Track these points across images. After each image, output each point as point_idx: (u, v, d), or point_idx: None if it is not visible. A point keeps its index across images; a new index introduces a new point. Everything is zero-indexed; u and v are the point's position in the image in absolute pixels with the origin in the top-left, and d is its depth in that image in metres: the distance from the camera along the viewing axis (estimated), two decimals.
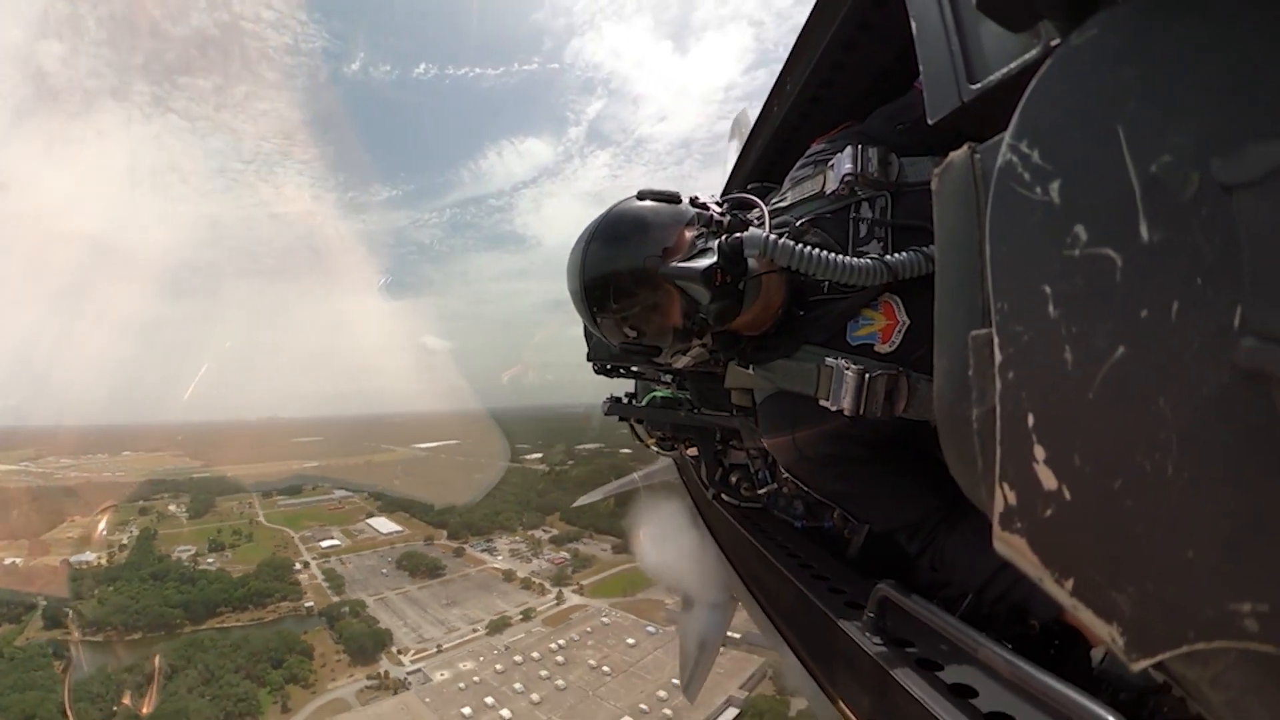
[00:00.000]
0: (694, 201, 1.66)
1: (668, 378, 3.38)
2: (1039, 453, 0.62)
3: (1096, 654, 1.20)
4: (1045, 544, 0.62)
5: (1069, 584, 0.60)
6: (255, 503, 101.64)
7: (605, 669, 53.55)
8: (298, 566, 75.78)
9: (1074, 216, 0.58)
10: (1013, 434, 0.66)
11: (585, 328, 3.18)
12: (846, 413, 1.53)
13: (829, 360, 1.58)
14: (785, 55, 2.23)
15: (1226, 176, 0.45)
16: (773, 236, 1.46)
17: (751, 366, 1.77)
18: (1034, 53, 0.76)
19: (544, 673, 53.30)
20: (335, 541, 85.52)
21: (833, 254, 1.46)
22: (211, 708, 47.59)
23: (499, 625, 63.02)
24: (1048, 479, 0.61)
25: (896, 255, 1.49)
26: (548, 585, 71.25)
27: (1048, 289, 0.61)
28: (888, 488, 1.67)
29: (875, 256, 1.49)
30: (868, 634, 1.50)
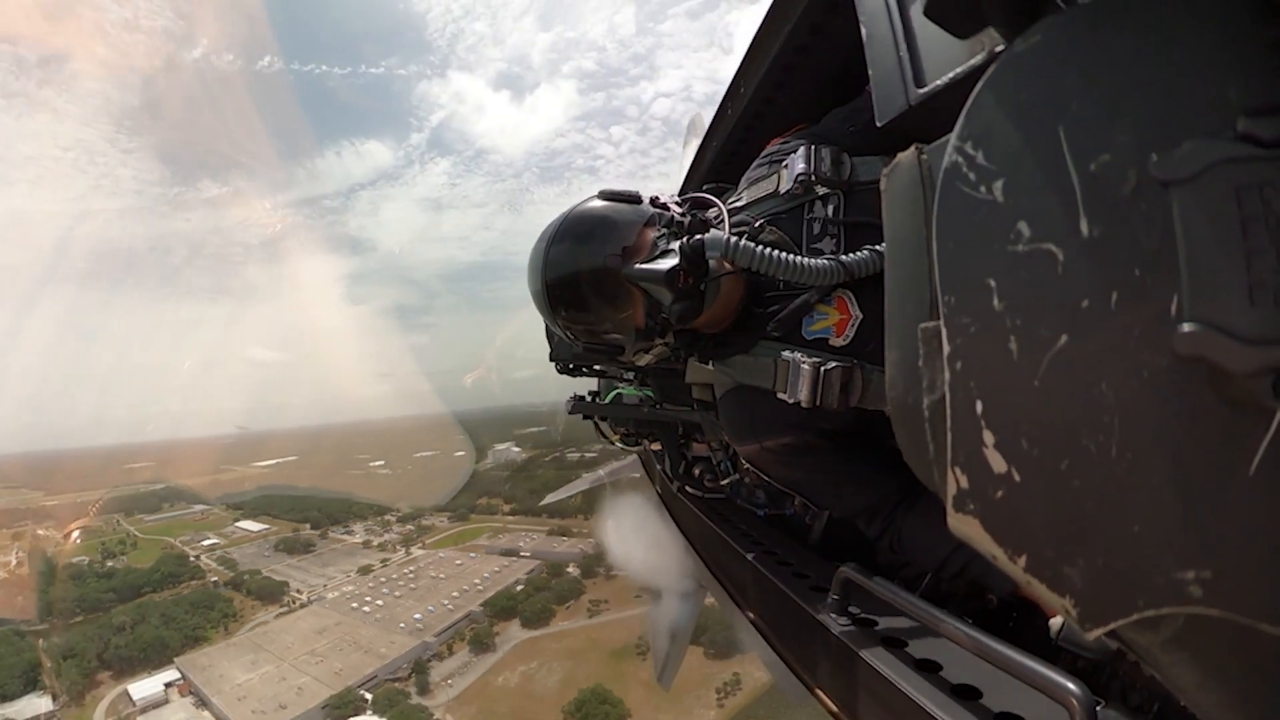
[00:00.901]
0: (654, 201, 1.66)
1: (630, 375, 3.39)
2: (988, 438, 0.64)
3: (1054, 624, 1.25)
4: (998, 524, 0.64)
5: (1022, 560, 0.62)
6: (121, 520, 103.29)
7: (442, 575, 79.12)
8: (191, 558, 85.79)
9: (1017, 213, 0.60)
10: (962, 421, 0.67)
11: (547, 327, 3.18)
12: (804, 404, 1.55)
13: (785, 354, 1.59)
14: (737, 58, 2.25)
15: (1163, 173, 0.48)
16: (734, 238, 1.47)
17: (711, 363, 1.78)
18: (979, 58, 0.78)
19: (401, 583, 77.67)
20: (214, 541, 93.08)
21: (791, 255, 1.48)
22: (176, 635, 62.79)
23: (366, 570, 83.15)
24: (997, 462, 0.63)
25: (852, 255, 1.52)
26: (398, 546, 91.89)
27: (992, 282, 0.63)
28: (845, 475, 1.69)
29: (831, 256, 1.51)
30: (833, 615, 1.52)
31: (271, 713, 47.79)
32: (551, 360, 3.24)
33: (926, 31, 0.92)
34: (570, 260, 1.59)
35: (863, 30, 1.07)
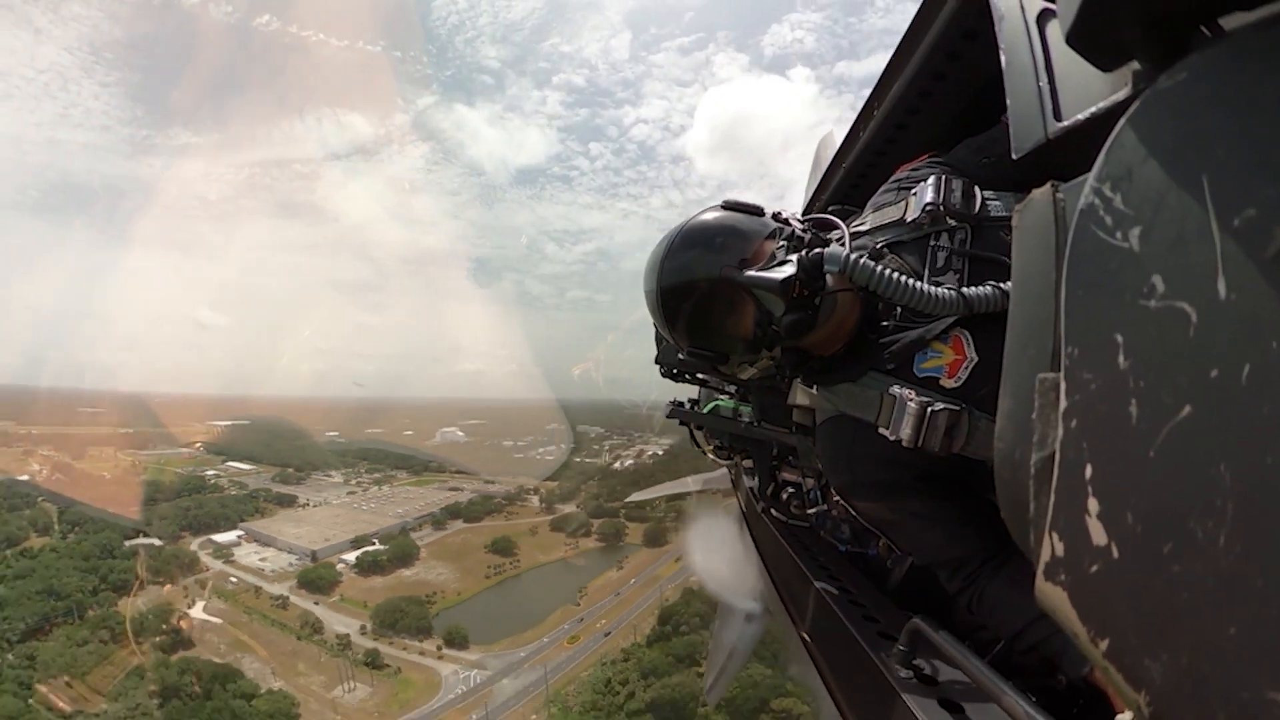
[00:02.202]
0: (776, 216, 1.64)
1: (731, 388, 3.37)
2: (1092, 505, 0.59)
3: None
4: (1086, 600, 0.59)
5: (1103, 644, 0.56)
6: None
7: (409, 499, 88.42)
8: (210, 477, 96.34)
9: (1152, 266, 0.55)
10: (1069, 483, 0.63)
11: (656, 331, 3.22)
12: (905, 443, 1.49)
13: (893, 389, 1.54)
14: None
15: None
16: (853, 255, 1.44)
17: (816, 387, 1.75)
18: (1122, 94, 0.72)
19: (379, 501, 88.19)
20: (215, 471, 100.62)
21: (910, 280, 1.43)
22: (231, 512, 77.39)
23: (351, 492, 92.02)
24: (1098, 533, 0.58)
25: (973, 289, 1.45)
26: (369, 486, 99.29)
27: (1119, 338, 0.58)
28: (936, 522, 1.61)
29: (952, 287, 1.45)
30: (895, 665, 1.46)
31: (319, 543, 66.35)
32: (657, 363, 3.28)
33: (1068, 62, 0.86)
34: (687, 266, 1.59)
35: (1002, 58, 1.02)
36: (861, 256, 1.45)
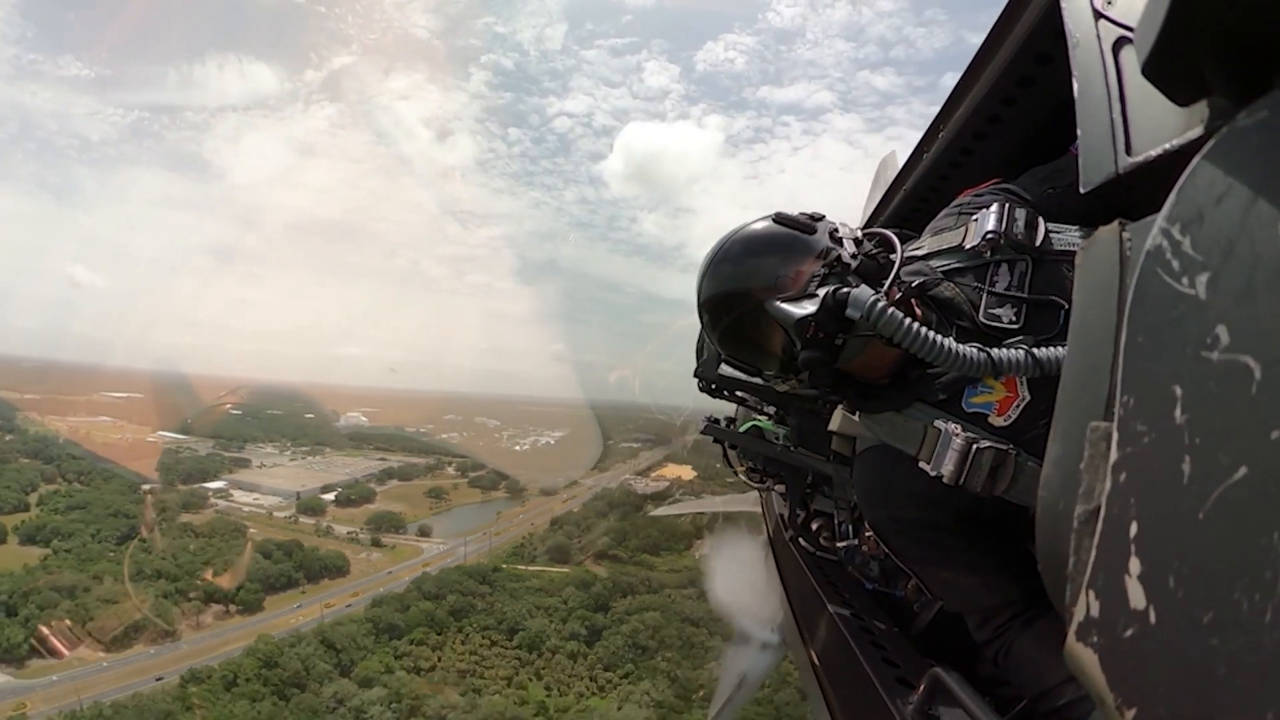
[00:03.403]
0: (833, 234, 1.60)
1: (770, 409, 3.35)
2: (1134, 565, 0.57)
3: None
4: (1117, 665, 0.56)
5: (1130, 713, 0.53)
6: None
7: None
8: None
9: (1218, 315, 0.53)
10: (1112, 539, 0.60)
11: (698, 344, 3.23)
12: (946, 480, 1.46)
13: (939, 423, 1.51)
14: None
15: None
16: (881, 302, 1.40)
17: (859, 414, 1.73)
18: (1197, 130, 0.69)
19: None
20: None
21: (935, 335, 1.39)
22: (210, 466, 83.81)
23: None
24: (1136, 596, 0.55)
25: (1003, 352, 1.41)
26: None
27: (1178, 390, 0.56)
28: (970, 567, 1.58)
29: (979, 347, 1.42)
30: (911, 715, 1.43)
31: (297, 487, 75.08)
32: (696, 376, 3.28)
33: (1143, 94, 0.83)
34: (728, 278, 1.61)
35: (1075, 86, 0.99)
36: (888, 306, 1.41)
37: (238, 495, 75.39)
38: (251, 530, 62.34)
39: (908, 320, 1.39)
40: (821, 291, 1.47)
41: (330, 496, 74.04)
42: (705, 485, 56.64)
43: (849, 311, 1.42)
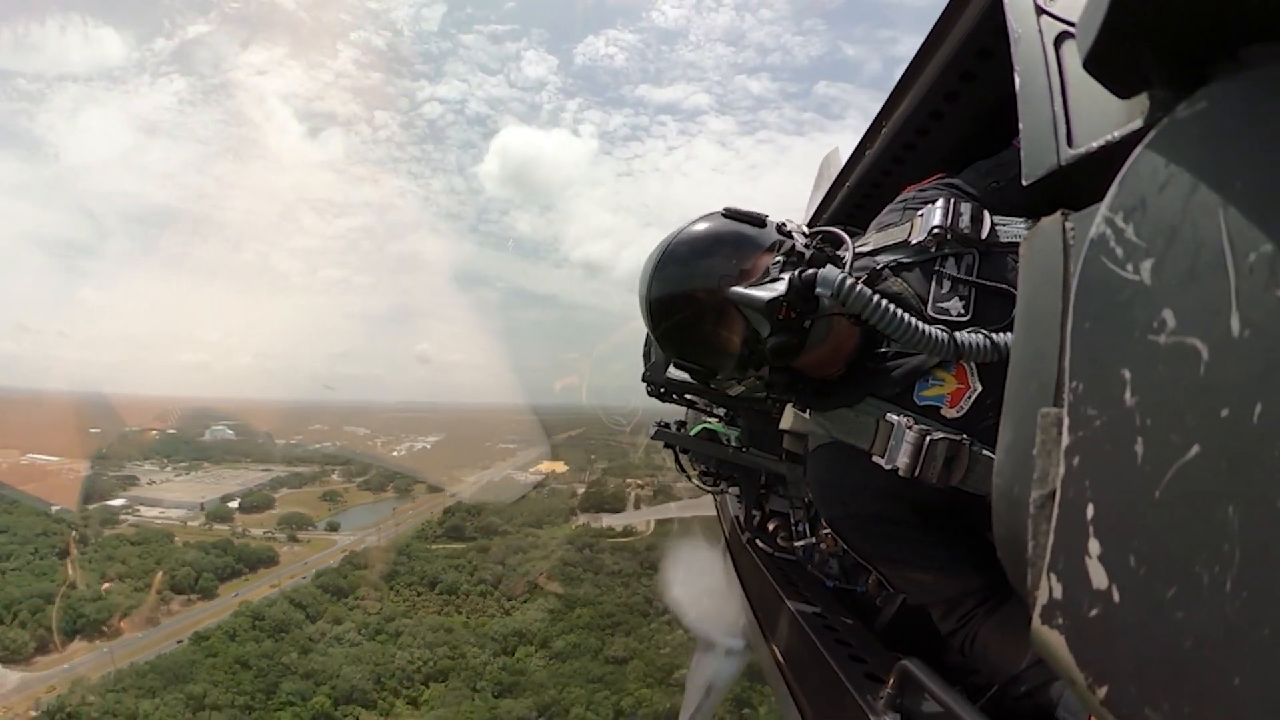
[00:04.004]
0: (780, 228, 1.63)
1: (720, 411, 3.37)
2: (1093, 547, 0.59)
3: None
4: (1084, 645, 0.59)
5: (1101, 691, 0.56)
6: None
7: None
8: None
9: (1163, 300, 0.56)
10: (1069, 523, 0.63)
11: (645, 347, 3.23)
12: (901, 473, 1.49)
13: (891, 416, 1.54)
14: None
15: None
16: (850, 279, 1.43)
17: (809, 412, 1.75)
18: (1138, 122, 0.73)
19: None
20: None
21: (903, 313, 1.43)
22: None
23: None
24: (1098, 576, 0.58)
25: (966, 335, 1.46)
26: None
27: (1126, 374, 0.58)
28: (930, 557, 1.61)
29: (945, 329, 1.46)
30: (882, 708, 1.46)
31: (198, 499, 75.64)
32: (644, 381, 3.28)
33: (1084, 88, 0.87)
34: (677, 276, 1.60)
35: (1017, 80, 1.03)
36: (858, 281, 1.44)
37: (144, 511, 75.42)
38: (177, 538, 63.86)
39: (876, 296, 1.42)
40: (786, 275, 1.49)
41: (234, 505, 76.85)
42: (575, 476, 79.04)
43: (818, 290, 1.44)
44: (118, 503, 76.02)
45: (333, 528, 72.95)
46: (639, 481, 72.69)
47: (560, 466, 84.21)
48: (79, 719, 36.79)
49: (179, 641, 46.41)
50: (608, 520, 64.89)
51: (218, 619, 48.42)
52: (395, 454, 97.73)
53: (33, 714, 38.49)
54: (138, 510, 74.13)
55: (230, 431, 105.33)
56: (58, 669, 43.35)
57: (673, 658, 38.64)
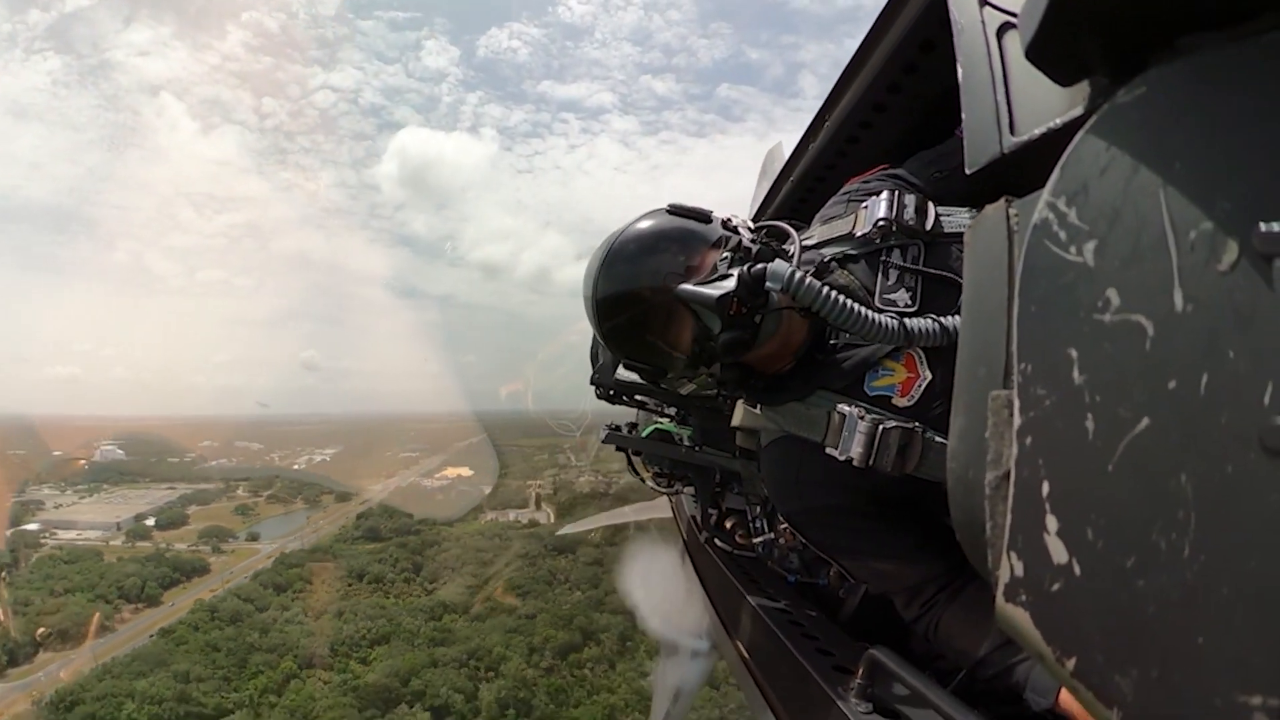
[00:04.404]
0: (725, 224, 1.64)
1: (672, 410, 3.38)
2: (1051, 523, 0.62)
3: None
4: (1050, 619, 0.61)
5: (1070, 663, 0.58)
6: None
7: None
8: None
9: (1107, 280, 0.58)
10: (1026, 501, 0.65)
11: (592, 349, 3.21)
12: (855, 463, 1.51)
13: (842, 407, 1.56)
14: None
15: (1266, 247, 0.45)
16: (799, 272, 1.44)
17: (760, 406, 1.76)
18: (1079, 109, 0.76)
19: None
20: None
21: (854, 304, 1.45)
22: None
23: None
24: (1058, 551, 0.60)
25: (916, 321, 1.50)
26: None
27: (1074, 353, 0.61)
28: (889, 546, 1.64)
29: (895, 316, 1.49)
30: (853, 699, 1.47)
31: (113, 519, 75.35)
32: (593, 384, 3.26)
33: (1026, 77, 0.91)
34: (624, 274, 1.59)
35: (960, 71, 1.07)
36: (807, 274, 1.46)
37: (61, 534, 74.15)
38: (105, 556, 64.86)
39: (826, 288, 1.44)
40: (735, 271, 1.49)
41: (151, 523, 77.49)
42: (482, 479, 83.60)
43: (768, 284, 1.45)
44: (32, 527, 74.53)
45: (253, 538, 75.33)
46: (538, 481, 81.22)
47: (465, 471, 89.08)
48: (83, 703, 40.37)
49: (150, 636, 50.75)
50: (514, 514, 73.60)
51: (176, 617, 52.72)
52: (296, 467, 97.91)
53: (38, 702, 42.38)
54: (54, 534, 72.86)
55: (120, 451, 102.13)
56: (33, 678, 46.24)
57: (571, 611, 48.69)
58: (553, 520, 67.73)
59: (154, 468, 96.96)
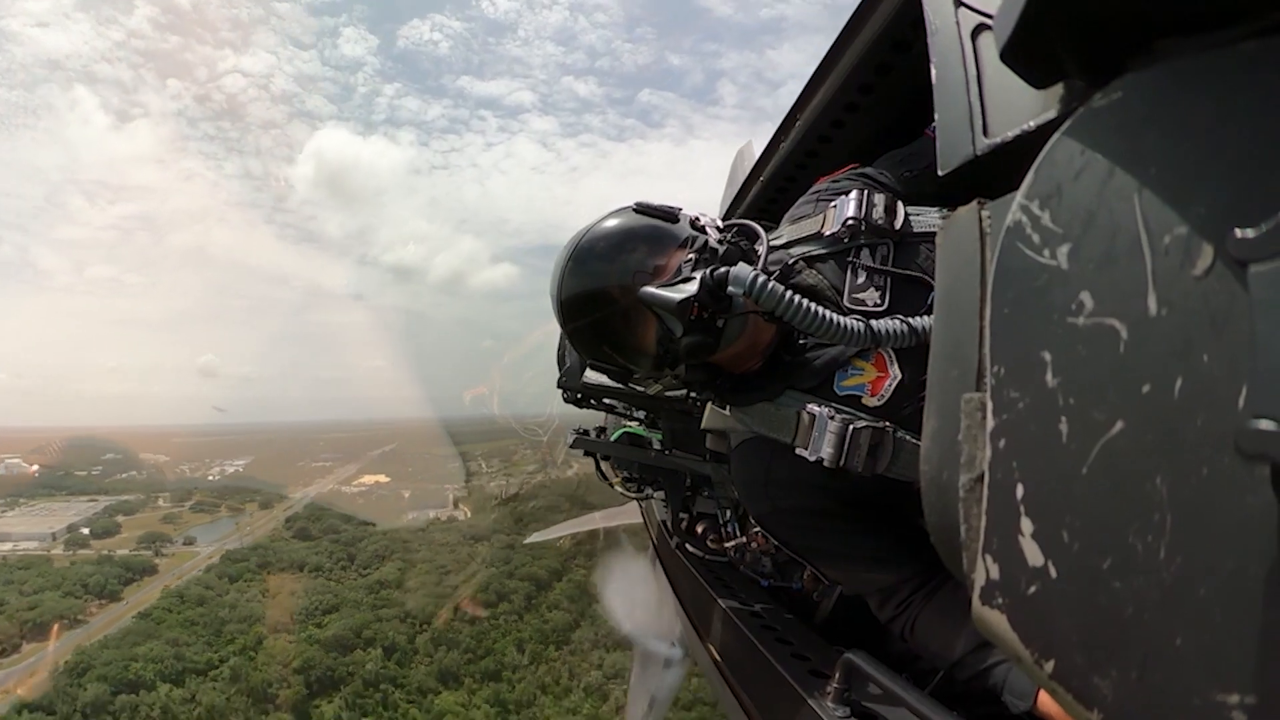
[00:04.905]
0: (694, 223, 1.65)
1: (641, 414, 3.38)
2: (1026, 526, 0.62)
3: None
4: (1027, 622, 0.62)
5: (1049, 665, 0.59)
6: None
7: None
8: None
9: (1080, 283, 0.59)
10: (1000, 504, 0.66)
11: (559, 352, 3.19)
12: (826, 464, 1.53)
13: (812, 408, 1.58)
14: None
15: (1241, 251, 0.46)
16: (761, 277, 1.45)
17: (729, 408, 1.77)
18: (1054, 112, 0.77)
19: None
20: None
21: (817, 307, 1.47)
22: None
23: None
24: (1033, 554, 0.61)
25: (883, 323, 1.52)
26: None
27: (1047, 356, 0.62)
28: (862, 548, 1.66)
29: (860, 319, 1.51)
30: (830, 704, 1.48)
31: (45, 530, 76.07)
32: (559, 387, 3.24)
33: (1000, 79, 0.92)
34: (593, 274, 1.60)
35: (933, 72, 1.08)
36: (770, 279, 1.46)
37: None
38: (55, 562, 66.56)
39: (789, 293, 1.45)
40: (698, 274, 1.50)
41: (86, 531, 78.53)
42: (400, 484, 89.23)
43: (730, 289, 1.46)
44: None
45: (189, 541, 77.78)
46: (455, 486, 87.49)
47: (383, 478, 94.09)
48: (93, 668, 45.44)
49: (131, 619, 55.35)
50: (432, 513, 79.38)
51: (148, 603, 57.57)
52: (211, 478, 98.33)
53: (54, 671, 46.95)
54: None
55: (23, 463, 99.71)
56: (25, 663, 49.99)
57: (488, 580, 57.36)
58: (469, 516, 76.25)
59: (62, 480, 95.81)
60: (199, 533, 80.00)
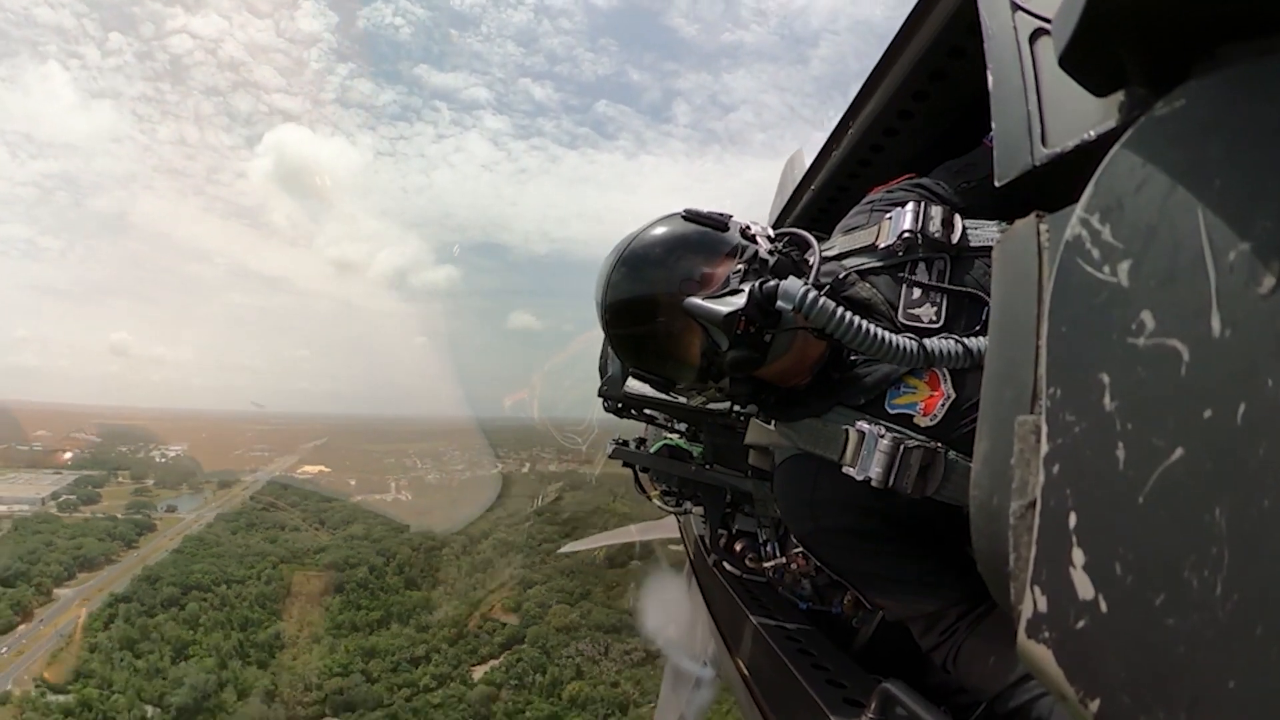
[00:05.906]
0: (744, 231, 1.64)
1: (682, 426, 3.38)
2: (1078, 556, 0.61)
3: None
4: (1074, 658, 0.60)
5: (1094, 705, 0.57)
6: None
7: None
8: None
9: (1141, 301, 0.58)
10: (1052, 533, 0.64)
11: (601, 360, 3.21)
12: (874, 483, 1.51)
13: (861, 425, 1.56)
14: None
15: None
16: (812, 292, 1.44)
17: (775, 423, 1.76)
18: (1114, 120, 0.76)
19: None
20: None
21: (869, 325, 1.46)
22: None
23: None
24: (1084, 586, 0.59)
25: (936, 342, 1.50)
26: None
27: (1105, 378, 0.60)
28: (907, 572, 1.63)
29: (915, 338, 1.49)
30: None
31: (34, 494, 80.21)
32: (600, 396, 3.26)
33: (1059, 86, 0.91)
34: (638, 282, 1.60)
35: (990, 78, 1.06)
36: (820, 295, 1.45)
37: None
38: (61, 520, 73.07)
39: (840, 309, 1.44)
40: (746, 286, 1.50)
41: (73, 498, 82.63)
42: (344, 474, 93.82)
43: (779, 303, 1.45)
44: None
45: (172, 509, 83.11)
46: (400, 480, 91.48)
47: (325, 468, 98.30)
48: (163, 579, 57.41)
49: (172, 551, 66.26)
50: (376, 497, 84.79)
51: (173, 544, 67.21)
52: (160, 459, 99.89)
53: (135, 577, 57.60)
54: None
55: None
56: (90, 582, 59.67)
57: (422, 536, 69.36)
58: (409, 499, 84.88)
59: (3, 454, 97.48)
60: (177, 504, 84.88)
